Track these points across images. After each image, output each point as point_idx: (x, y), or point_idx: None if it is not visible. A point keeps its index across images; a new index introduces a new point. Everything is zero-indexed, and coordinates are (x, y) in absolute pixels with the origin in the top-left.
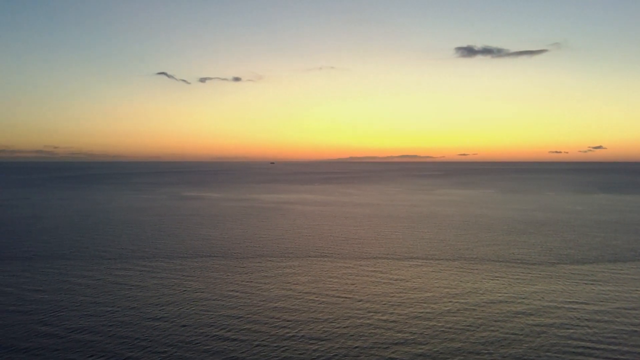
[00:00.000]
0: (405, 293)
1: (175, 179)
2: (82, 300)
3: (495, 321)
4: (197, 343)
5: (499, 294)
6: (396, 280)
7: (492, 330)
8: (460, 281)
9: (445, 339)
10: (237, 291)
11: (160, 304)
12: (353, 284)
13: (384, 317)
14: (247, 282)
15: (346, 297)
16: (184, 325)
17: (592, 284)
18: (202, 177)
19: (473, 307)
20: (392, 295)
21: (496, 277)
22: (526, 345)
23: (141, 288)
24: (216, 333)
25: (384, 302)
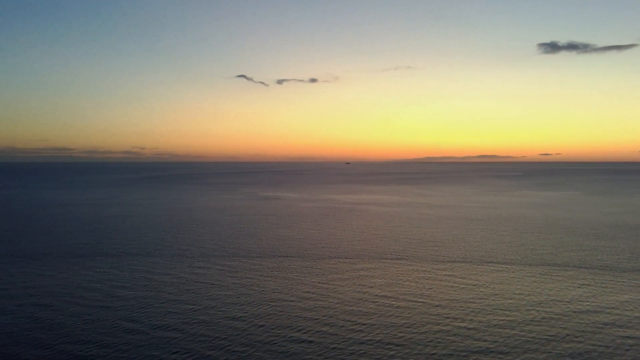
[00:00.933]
0: (484, 299)
1: (253, 179)
2: (164, 298)
3: (580, 332)
4: (274, 344)
5: (585, 303)
6: (474, 285)
7: (578, 342)
8: (542, 288)
9: (527, 349)
10: (312, 292)
11: (239, 303)
12: (429, 288)
13: (462, 324)
14: (323, 283)
15: (422, 302)
16: (261, 325)
17: None
18: (280, 177)
19: (556, 316)
20: (470, 301)
21: (582, 284)
22: (616, 359)
23: (220, 287)
24: (292, 334)
25: (461, 308)
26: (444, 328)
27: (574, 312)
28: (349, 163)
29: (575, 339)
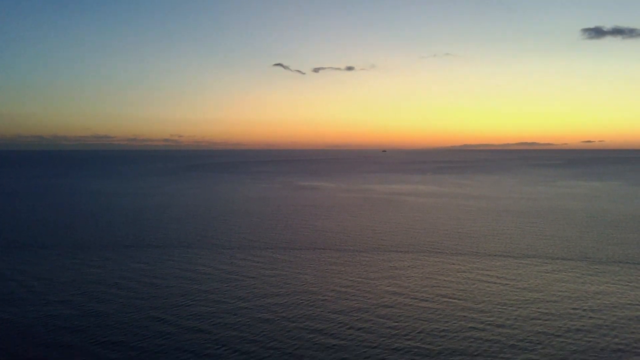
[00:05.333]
0: (523, 294)
1: (290, 167)
2: (204, 289)
3: (622, 327)
4: (305, 339)
5: (629, 299)
6: (513, 280)
7: (618, 337)
8: (585, 283)
9: (568, 344)
10: (346, 286)
11: (274, 295)
12: (466, 283)
13: (500, 319)
14: (359, 277)
15: (459, 297)
16: (294, 319)
17: None
18: (316, 165)
19: (599, 312)
20: (509, 296)
21: (627, 280)
22: None
23: (257, 279)
24: (322, 327)
25: (499, 303)
26: (480, 324)
27: (617, 307)
28: (385, 151)
29: (617, 335)
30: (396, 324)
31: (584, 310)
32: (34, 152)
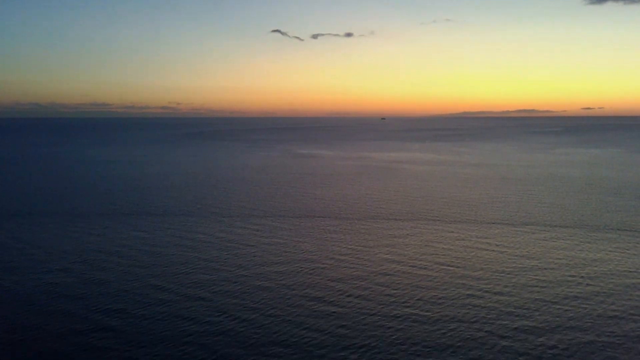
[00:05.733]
0: (521, 262)
1: (289, 135)
2: (199, 257)
3: (619, 294)
4: (304, 306)
5: (627, 266)
6: (511, 248)
7: (614, 304)
8: (583, 251)
9: (565, 311)
10: (344, 254)
11: (273, 263)
12: (464, 250)
13: (498, 287)
14: (355, 244)
15: (457, 264)
16: (293, 286)
17: None
18: (315, 133)
19: (597, 281)
20: (507, 263)
21: (626, 248)
22: None
23: (256, 247)
24: (321, 294)
25: (497, 270)
26: (478, 292)
27: (614, 274)
28: (384, 119)
29: (613, 302)
30: (394, 291)
31: (582, 277)
32: (31, 120)
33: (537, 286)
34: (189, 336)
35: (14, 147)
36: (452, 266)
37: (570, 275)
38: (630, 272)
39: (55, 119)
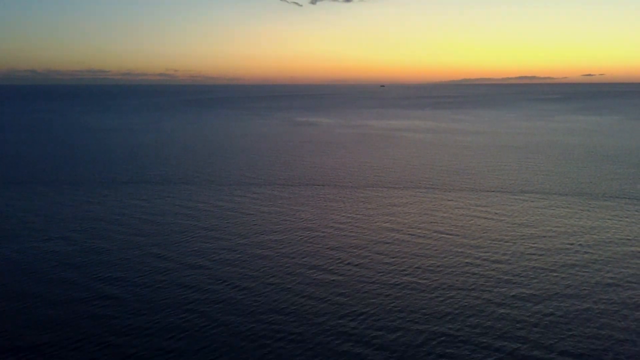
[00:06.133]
0: (519, 229)
1: (288, 103)
2: (199, 226)
3: (615, 261)
4: (302, 275)
5: (624, 234)
6: (509, 215)
7: (611, 272)
8: (581, 219)
9: (561, 278)
10: (343, 222)
11: (271, 232)
12: (463, 218)
13: (496, 256)
14: (354, 212)
15: (456, 233)
16: (292, 255)
17: None
18: (314, 101)
19: (595, 249)
20: (504, 231)
21: (624, 216)
22: None
23: (255, 215)
24: (320, 263)
25: (495, 239)
26: (476, 260)
27: (612, 242)
28: (383, 86)
29: (611, 270)
30: (393, 259)
31: (580, 245)
32: (28, 87)
33: (535, 254)
34: (189, 304)
35: (11, 114)
36: (450, 234)
37: (568, 243)
38: (629, 239)
39: (52, 86)
